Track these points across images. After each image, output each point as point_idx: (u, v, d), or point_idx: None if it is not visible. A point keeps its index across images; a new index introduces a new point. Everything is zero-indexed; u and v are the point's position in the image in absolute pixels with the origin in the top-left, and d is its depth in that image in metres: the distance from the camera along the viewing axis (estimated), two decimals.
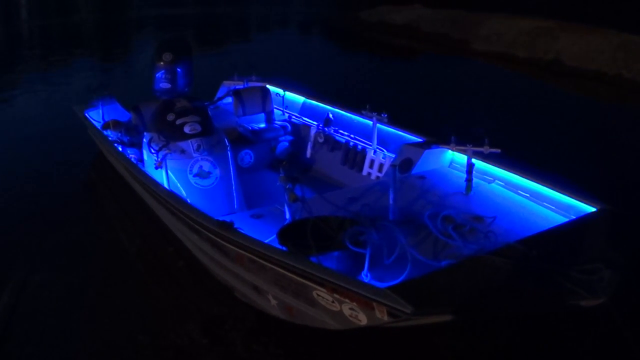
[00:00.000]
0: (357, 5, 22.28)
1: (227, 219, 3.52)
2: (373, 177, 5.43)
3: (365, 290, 2.64)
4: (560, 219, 3.72)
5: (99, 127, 6.06)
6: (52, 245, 4.94)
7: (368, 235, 3.05)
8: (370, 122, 5.39)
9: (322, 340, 3.60)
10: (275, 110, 6.57)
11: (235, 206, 4.73)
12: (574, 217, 3.65)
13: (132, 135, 5.63)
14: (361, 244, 3.02)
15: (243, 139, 6.06)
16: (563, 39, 13.10)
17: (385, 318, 2.67)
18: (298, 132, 6.38)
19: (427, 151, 4.56)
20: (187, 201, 4.20)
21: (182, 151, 4.63)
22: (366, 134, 5.57)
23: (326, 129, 6.04)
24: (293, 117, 6.58)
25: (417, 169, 4.53)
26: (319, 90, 6.76)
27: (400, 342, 3.65)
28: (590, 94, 11.23)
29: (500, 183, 4.24)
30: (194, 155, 4.63)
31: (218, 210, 4.30)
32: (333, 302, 3.00)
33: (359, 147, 5.64)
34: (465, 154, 4.22)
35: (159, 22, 22.17)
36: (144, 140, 4.89)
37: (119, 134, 5.72)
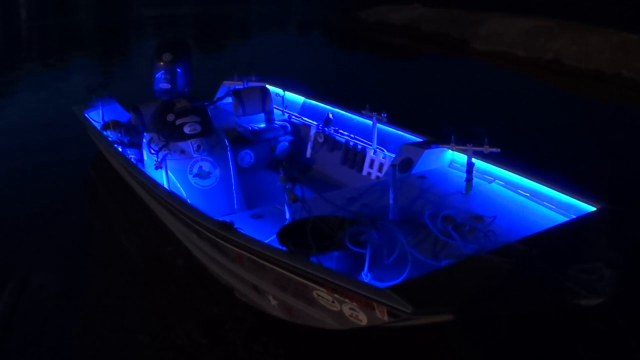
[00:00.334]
0: (357, 5, 22.29)
1: (227, 219, 3.52)
2: (373, 177, 5.43)
3: (365, 290, 2.64)
4: (560, 218, 3.72)
5: (98, 128, 6.05)
6: (52, 245, 4.94)
7: (368, 235, 3.05)
8: (370, 122, 5.39)
9: (322, 340, 3.60)
10: (275, 110, 6.56)
11: (235, 206, 4.73)
12: (574, 217, 3.65)
13: (132, 136, 5.62)
14: (361, 243, 3.01)
15: (243, 139, 6.06)
16: (562, 39, 13.11)
17: (386, 318, 2.67)
18: (298, 132, 6.38)
19: (427, 151, 4.56)
20: (187, 201, 4.20)
21: (182, 151, 4.63)
22: (366, 133, 5.57)
23: (326, 128, 6.04)
24: (293, 117, 6.58)
25: (417, 169, 4.53)
26: (319, 90, 6.77)
27: (400, 342, 3.65)
28: (590, 94, 11.23)
29: (500, 182, 4.24)
30: (194, 155, 4.63)
31: (218, 211, 4.30)
32: (333, 302, 3.00)
33: (359, 147, 5.64)
34: (465, 154, 4.22)
35: (158, 22, 22.16)
36: (144, 140, 4.89)
37: (119, 135, 5.71)
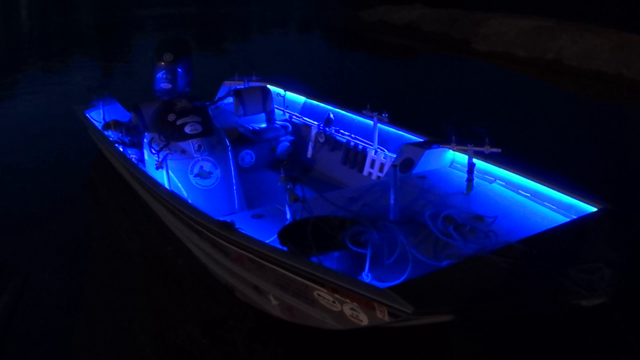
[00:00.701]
0: (357, 5, 22.29)
1: (228, 219, 3.52)
2: (374, 177, 5.43)
3: (366, 291, 2.64)
4: (561, 218, 3.72)
5: (99, 128, 6.06)
6: (52, 245, 4.94)
7: (369, 235, 3.05)
8: (371, 122, 5.39)
9: (323, 340, 3.61)
10: (275, 110, 6.57)
11: (236, 206, 4.73)
12: (574, 217, 3.65)
13: (133, 136, 5.63)
14: (362, 244, 3.01)
15: (244, 139, 6.06)
16: (563, 38, 13.11)
17: (386, 318, 2.67)
18: (299, 132, 6.38)
19: (427, 151, 4.56)
20: (187, 201, 4.20)
21: (183, 151, 4.63)
22: (367, 133, 5.56)
23: (327, 128, 6.04)
24: (294, 117, 6.58)
25: (417, 169, 4.53)
26: (320, 90, 6.76)
27: (400, 342, 3.65)
28: (591, 94, 11.23)
29: (501, 183, 4.24)
30: (195, 155, 4.63)
31: (219, 211, 4.30)
32: (334, 302, 3.00)
33: (360, 147, 5.64)
34: (466, 154, 4.23)
35: (158, 22, 22.17)
36: (145, 140, 4.89)
37: (120, 134, 5.71)
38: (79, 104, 6.85)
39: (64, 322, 3.91)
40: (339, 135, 5.92)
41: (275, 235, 3.27)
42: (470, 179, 4.10)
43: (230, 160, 4.82)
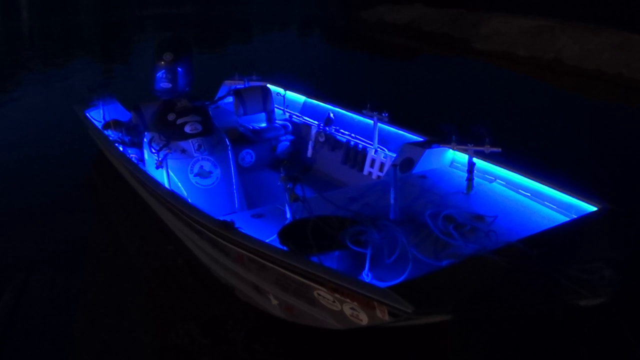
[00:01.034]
0: (357, 4, 22.28)
1: (228, 218, 3.52)
2: (374, 176, 5.43)
3: (366, 290, 2.64)
4: (561, 218, 3.72)
5: (99, 127, 6.06)
6: (52, 245, 4.94)
7: (369, 235, 3.04)
8: (371, 122, 5.39)
9: (323, 340, 3.60)
10: (276, 110, 6.56)
11: (236, 206, 4.73)
12: (575, 217, 3.65)
13: (133, 135, 5.63)
14: (362, 243, 3.01)
15: (244, 138, 6.06)
16: (563, 38, 13.11)
17: (386, 318, 2.67)
18: (299, 132, 6.38)
19: (428, 150, 4.55)
20: (187, 201, 4.20)
21: (183, 151, 4.63)
22: (367, 133, 5.56)
23: (327, 128, 6.04)
24: (294, 116, 6.58)
25: (418, 169, 4.53)
26: (320, 90, 6.76)
27: (400, 342, 3.65)
28: (591, 93, 11.23)
29: (501, 182, 4.23)
30: (195, 154, 4.63)
31: (219, 210, 4.30)
32: (334, 301, 3.00)
33: (360, 146, 5.64)
34: (466, 154, 4.22)
35: (158, 22, 22.17)
36: (145, 140, 4.89)
37: (120, 134, 5.71)
38: (79, 103, 6.85)
39: (64, 322, 3.91)
40: (339, 134, 5.92)
41: (276, 235, 3.27)
42: (470, 179, 4.10)
43: (230, 160, 4.82)
